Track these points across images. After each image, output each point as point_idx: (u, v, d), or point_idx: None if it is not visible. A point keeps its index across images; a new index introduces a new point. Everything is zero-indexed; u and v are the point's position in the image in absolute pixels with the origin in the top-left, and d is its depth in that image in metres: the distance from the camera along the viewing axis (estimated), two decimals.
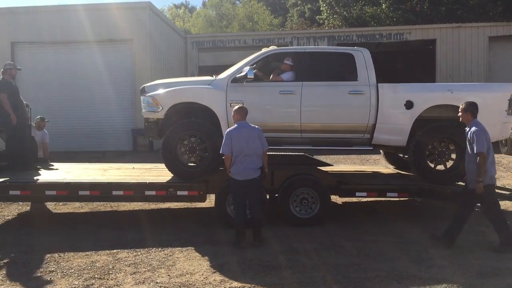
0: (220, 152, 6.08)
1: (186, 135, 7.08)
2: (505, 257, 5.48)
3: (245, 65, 7.13)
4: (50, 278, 5.07)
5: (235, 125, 6.08)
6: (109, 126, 17.06)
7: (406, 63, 26.35)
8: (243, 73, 6.90)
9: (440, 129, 7.06)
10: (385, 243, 6.11)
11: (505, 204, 7.93)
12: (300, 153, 8.52)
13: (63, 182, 7.03)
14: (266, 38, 22.48)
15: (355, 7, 31.19)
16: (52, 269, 5.34)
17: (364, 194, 7.08)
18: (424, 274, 5.00)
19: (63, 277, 5.09)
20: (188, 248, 6.00)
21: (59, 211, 8.29)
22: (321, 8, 34.11)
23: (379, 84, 7.08)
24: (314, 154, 8.44)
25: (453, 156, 7.23)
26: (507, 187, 8.24)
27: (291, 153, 8.53)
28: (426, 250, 5.79)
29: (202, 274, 5.09)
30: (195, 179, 6.96)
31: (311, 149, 7.32)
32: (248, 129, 6.01)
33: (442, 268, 5.16)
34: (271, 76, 7.43)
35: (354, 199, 8.55)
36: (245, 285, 4.79)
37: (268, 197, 6.97)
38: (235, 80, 7.08)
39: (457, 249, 5.80)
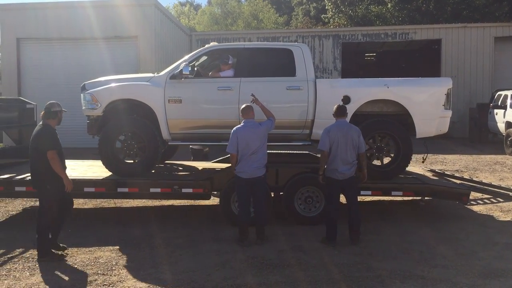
0: (226, 150, 6.08)
1: (123, 132, 7.11)
2: (509, 258, 5.47)
3: (184, 61, 7.11)
4: (54, 274, 5.10)
5: (242, 123, 6.09)
6: None
7: (411, 63, 26.32)
8: (179, 69, 6.92)
9: (377, 124, 7.01)
10: (388, 242, 6.10)
11: (509, 205, 7.91)
12: (305, 152, 8.52)
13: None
14: (271, 36, 22.45)
15: (360, 6, 31.15)
16: (56, 264, 5.36)
17: (369, 192, 7.04)
18: (427, 274, 4.99)
19: (67, 273, 5.12)
20: (191, 245, 6.02)
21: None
22: (326, 7, 34.08)
23: (317, 80, 7.06)
24: None
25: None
26: (511, 187, 8.22)
27: (296, 152, 8.53)
28: (429, 250, 5.78)
29: (205, 271, 5.10)
30: (133, 176, 6.98)
31: None
32: (253, 128, 6.02)
33: (445, 269, 5.15)
34: (210, 73, 7.38)
35: (358, 198, 8.51)
36: (248, 282, 4.79)
37: (272, 195, 6.97)
38: (173, 76, 7.06)
39: (460, 249, 5.79)
